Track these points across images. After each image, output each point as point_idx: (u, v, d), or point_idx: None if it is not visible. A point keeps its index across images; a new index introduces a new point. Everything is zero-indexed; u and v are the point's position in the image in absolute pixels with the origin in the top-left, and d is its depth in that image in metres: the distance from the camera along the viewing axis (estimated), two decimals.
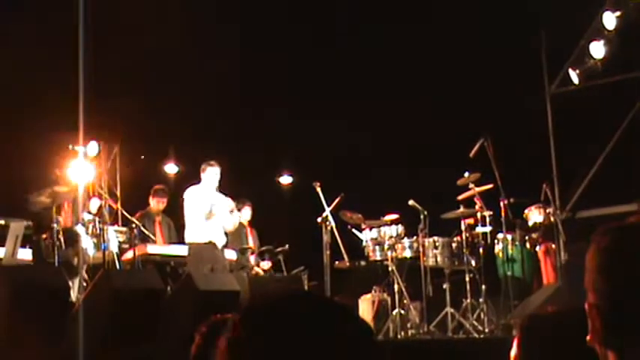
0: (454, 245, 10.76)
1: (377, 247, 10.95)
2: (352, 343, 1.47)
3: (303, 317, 1.47)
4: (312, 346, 1.44)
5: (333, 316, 1.49)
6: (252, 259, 12.55)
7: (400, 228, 10.94)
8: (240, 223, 12.46)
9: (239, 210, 12.46)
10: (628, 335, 1.66)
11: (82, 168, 12.00)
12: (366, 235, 11.09)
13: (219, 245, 11.03)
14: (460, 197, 10.95)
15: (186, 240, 11.06)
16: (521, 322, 2.33)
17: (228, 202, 11.15)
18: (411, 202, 10.89)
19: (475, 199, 10.89)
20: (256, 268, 12.55)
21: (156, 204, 12.22)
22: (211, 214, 10.86)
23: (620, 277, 1.67)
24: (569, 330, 2.11)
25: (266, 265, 12.74)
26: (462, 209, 10.84)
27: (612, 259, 1.69)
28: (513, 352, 2.26)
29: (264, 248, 12.84)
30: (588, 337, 1.73)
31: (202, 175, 11.14)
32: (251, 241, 12.73)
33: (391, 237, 10.85)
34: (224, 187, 11.34)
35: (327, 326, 1.47)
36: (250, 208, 12.87)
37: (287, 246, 12.81)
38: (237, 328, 1.48)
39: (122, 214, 12.46)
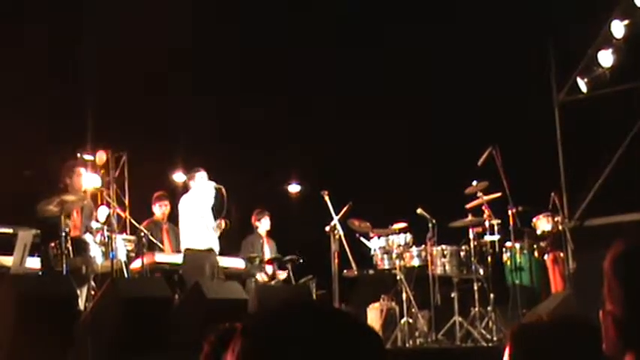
0: (462, 254, 10.75)
1: (385, 256, 10.94)
2: (358, 352, 1.47)
3: (305, 327, 1.46)
4: (315, 356, 1.44)
5: (338, 326, 1.48)
6: (269, 268, 12.48)
7: (408, 236, 10.93)
8: (257, 233, 12.49)
9: (258, 220, 12.50)
10: None
11: (91, 176, 12.03)
12: (375, 244, 11.09)
13: (216, 250, 11.03)
14: (468, 206, 10.94)
15: (182, 247, 11.08)
16: (510, 331, 2.33)
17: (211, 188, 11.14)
18: (419, 211, 10.88)
19: (483, 208, 10.88)
20: (261, 276, 12.48)
21: (159, 209, 12.22)
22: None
23: (637, 284, 1.66)
24: (558, 340, 2.11)
25: (282, 274, 12.67)
26: (470, 218, 10.83)
27: (629, 266, 1.69)
28: None
29: (272, 257, 12.82)
30: (604, 346, 1.72)
31: (191, 183, 11.16)
32: (268, 252, 12.66)
33: (399, 245, 10.84)
34: (233, 196, 11.35)
35: (331, 337, 1.46)
36: (268, 218, 12.84)
37: (296, 256, 12.75)
38: (240, 338, 1.47)
39: (130, 222, 12.47)
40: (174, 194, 12.72)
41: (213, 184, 11.01)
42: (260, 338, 1.46)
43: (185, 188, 11.53)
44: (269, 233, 12.87)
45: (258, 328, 1.48)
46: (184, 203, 11.15)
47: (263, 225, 12.67)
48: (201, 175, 11.10)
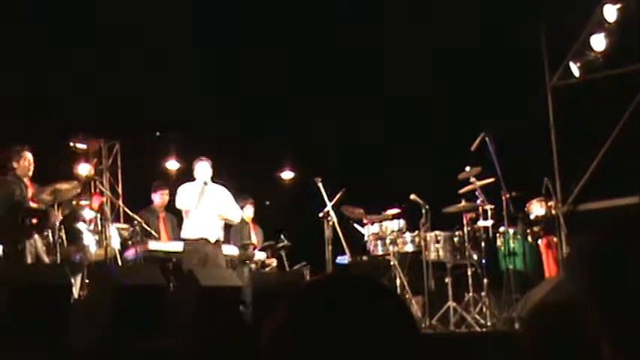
0: (456, 239, 10.74)
1: (379, 242, 10.94)
2: (389, 320, 1.52)
3: (339, 298, 1.52)
4: (347, 326, 1.49)
5: (371, 298, 1.54)
6: (258, 254, 12.51)
7: (402, 222, 10.93)
8: (243, 220, 12.43)
9: (241, 207, 12.42)
10: (618, 331, 1.65)
11: (84, 165, 12.02)
12: (368, 230, 11.09)
13: (213, 239, 10.92)
14: (461, 191, 10.92)
15: (182, 236, 11.04)
16: (525, 315, 2.32)
17: (222, 191, 11.10)
18: (412, 197, 10.88)
19: (477, 193, 10.86)
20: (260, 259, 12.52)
21: (160, 198, 12.18)
22: (198, 202, 10.82)
23: (609, 274, 1.66)
24: (570, 323, 2.11)
25: (273, 261, 12.71)
26: (463, 203, 10.81)
27: (603, 255, 1.68)
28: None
29: (266, 244, 12.83)
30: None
31: (194, 173, 11.09)
32: (254, 238, 12.70)
33: (393, 231, 10.85)
34: (227, 183, 11.33)
35: (363, 308, 1.51)
36: (252, 205, 12.86)
37: (286, 241, 12.79)
38: (282, 307, 1.54)
39: (124, 210, 12.46)
40: (168, 182, 12.72)
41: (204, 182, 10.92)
42: (295, 307, 1.52)
43: (189, 176, 11.41)
44: (254, 220, 12.88)
45: (295, 298, 1.54)
46: (180, 191, 11.05)
47: (247, 212, 12.62)
48: (203, 166, 11.00)
